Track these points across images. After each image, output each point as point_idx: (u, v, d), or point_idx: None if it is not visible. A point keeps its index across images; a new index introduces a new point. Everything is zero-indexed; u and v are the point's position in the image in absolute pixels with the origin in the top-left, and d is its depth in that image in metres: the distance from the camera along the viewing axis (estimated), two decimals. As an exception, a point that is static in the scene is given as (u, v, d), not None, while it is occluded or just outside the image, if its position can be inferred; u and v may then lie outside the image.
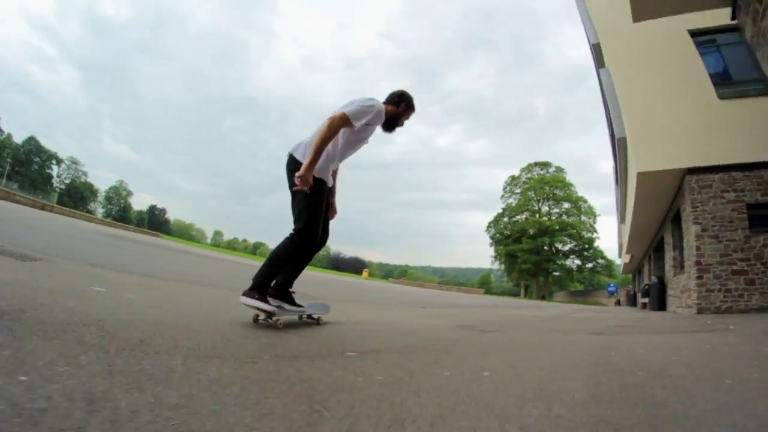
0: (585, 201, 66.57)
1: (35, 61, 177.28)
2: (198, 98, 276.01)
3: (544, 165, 72.58)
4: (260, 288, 2.87)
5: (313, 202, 2.95)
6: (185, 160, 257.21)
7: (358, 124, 3.00)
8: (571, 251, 66.09)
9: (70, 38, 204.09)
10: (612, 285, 56.83)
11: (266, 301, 2.86)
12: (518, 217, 69.15)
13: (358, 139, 3.20)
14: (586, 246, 64.08)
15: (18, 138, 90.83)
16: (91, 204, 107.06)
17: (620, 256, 37.77)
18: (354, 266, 67.71)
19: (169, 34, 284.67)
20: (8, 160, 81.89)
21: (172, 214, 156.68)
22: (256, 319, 3.02)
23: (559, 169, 70.85)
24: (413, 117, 3.55)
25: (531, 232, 66.35)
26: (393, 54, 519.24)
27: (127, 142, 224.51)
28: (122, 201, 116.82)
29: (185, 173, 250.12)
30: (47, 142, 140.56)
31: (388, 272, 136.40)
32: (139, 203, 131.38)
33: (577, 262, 67.33)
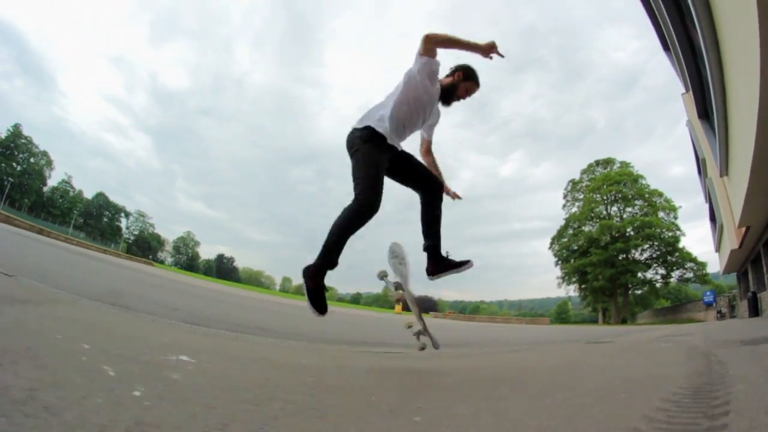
0: (660, 194, 54.44)
1: (110, 130, 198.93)
2: (263, 153, 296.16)
3: (607, 162, 61.29)
4: (320, 267, 2.74)
5: (369, 163, 2.81)
6: (257, 213, 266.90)
7: (436, 57, 2.93)
8: (652, 259, 53.62)
9: (139, 108, 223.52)
10: (709, 293, 44.11)
11: (316, 289, 2.73)
12: (583, 226, 57.80)
13: (426, 100, 2.98)
14: (669, 249, 51.26)
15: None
16: (160, 253, 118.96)
17: (718, 249, 30.55)
18: (425, 305, 58.73)
19: (229, 96, 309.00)
20: (73, 212, 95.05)
21: (247, 263, 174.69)
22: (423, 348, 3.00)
23: (625, 164, 59.49)
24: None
25: (601, 241, 55.94)
26: None
27: (201, 198, 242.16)
28: (190, 250, 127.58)
29: (257, 225, 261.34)
30: (126, 202, 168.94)
31: (461, 309, 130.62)
32: (208, 253, 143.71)
33: (661, 271, 54.04)
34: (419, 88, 2.94)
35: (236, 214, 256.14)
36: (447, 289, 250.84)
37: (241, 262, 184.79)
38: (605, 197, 57.84)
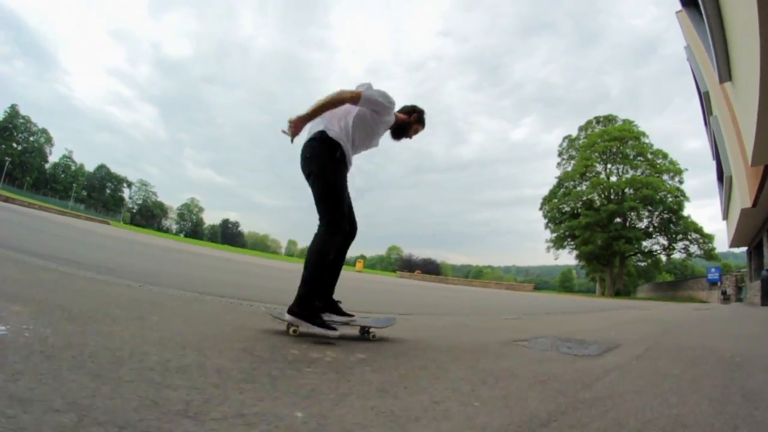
0: (665, 156, 46.51)
1: (115, 103, 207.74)
2: (271, 118, 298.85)
3: (608, 120, 53.19)
4: (304, 301, 2.60)
5: (334, 185, 2.73)
6: (267, 178, 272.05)
7: (364, 105, 2.79)
8: (653, 227, 46.07)
9: (143, 79, 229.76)
10: (714, 269, 36.90)
11: (311, 319, 2.57)
12: (576, 185, 49.72)
13: (371, 131, 2.93)
14: (671, 216, 43.81)
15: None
16: (164, 221, 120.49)
17: (725, 216, 25.05)
18: (426, 268, 59.52)
19: (234, 62, 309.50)
20: (74, 186, 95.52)
21: (257, 229, 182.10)
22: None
23: (628, 122, 51.07)
24: (425, 131, 3.38)
25: (594, 202, 48.16)
26: (454, 51, 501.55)
27: (210, 165, 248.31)
28: (194, 217, 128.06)
29: (268, 190, 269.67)
30: (136, 174, 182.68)
31: (467, 274, 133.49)
32: (217, 219, 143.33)
33: (662, 241, 46.73)
34: (370, 126, 2.92)
35: (245, 179, 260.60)
36: (455, 252, 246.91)
37: (251, 227, 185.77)
38: (601, 154, 50.15)
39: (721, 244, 52.98)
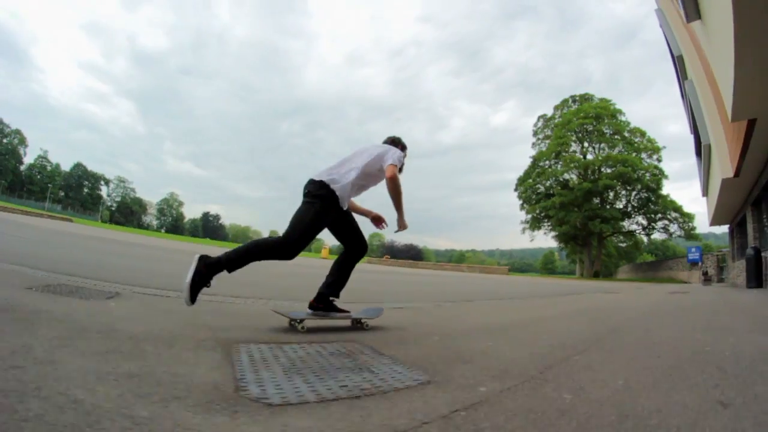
0: (642, 134, 44.58)
1: (91, 100, 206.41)
2: (251, 109, 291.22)
3: (584, 99, 50.83)
4: (217, 263, 2.77)
5: (315, 223, 3.03)
6: (248, 169, 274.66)
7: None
8: (632, 207, 44.25)
9: (119, 73, 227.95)
10: (694, 249, 35.15)
11: (204, 276, 2.70)
12: (551, 165, 47.42)
13: (378, 179, 3.38)
14: (650, 195, 41.97)
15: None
16: (144, 217, 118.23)
17: (705, 193, 23.25)
18: (408, 254, 61.07)
19: (211, 53, 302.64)
20: (50, 186, 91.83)
21: (239, 221, 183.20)
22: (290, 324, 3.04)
23: (605, 100, 48.75)
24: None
25: (572, 182, 46.40)
26: (434, 36, 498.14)
27: (190, 159, 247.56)
28: (174, 211, 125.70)
29: (249, 181, 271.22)
30: (114, 171, 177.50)
31: (450, 258, 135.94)
32: (199, 213, 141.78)
33: (641, 221, 45.02)
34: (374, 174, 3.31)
35: (226, 171, 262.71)
36: (439, 237, 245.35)
37: (234, 220, 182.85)
38: (577, 132, 47.86)
39: (702, 225, 51.59)
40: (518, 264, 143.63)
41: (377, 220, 3.62)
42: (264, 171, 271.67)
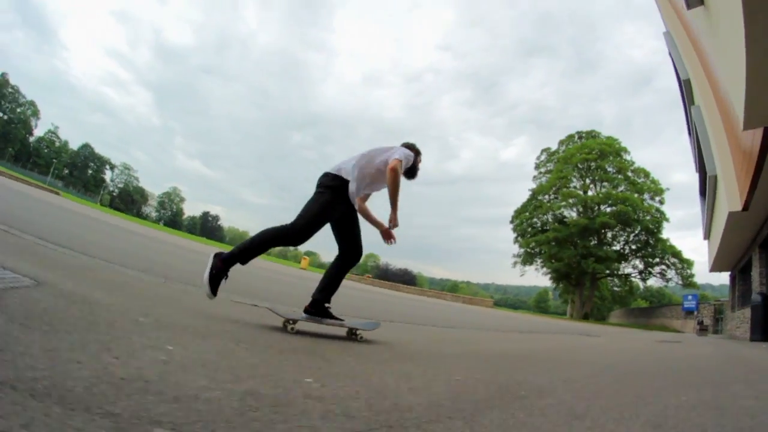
0: (647, 174, 42.60)
1: (111, 85, 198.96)
2: (265, 116, 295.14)
3: (591, 135, 49.34)
4: (231, 257, 2.91)
5: (325, 211, 3.14)
6: (254, 175, 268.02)
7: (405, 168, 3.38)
8: (629, 249, 42.21)
9: (142, 63, 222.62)
10: (691, 297, 33.00)
11: (221, 270, 2.88)
12: (548, 198, 45.63)
13: (384, 177, 3.35)
14: (649, 238, 39.87)
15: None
16: (144, 208, 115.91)
17: (707, 236, 21.43)
18: (403, 278, 57.60)
19: (233, 55, 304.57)
20: (54, 162, 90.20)
21: (240, 225, 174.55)
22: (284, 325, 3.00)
23: (611, 138, 46.99)
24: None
25: (569, 218, 43.80)
26: (452, 66, 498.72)
27: (199, 157, 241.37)
28: (175, 206, 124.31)
29: (254, 187, 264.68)
30: (123, 157, 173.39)
31: (443, 287, 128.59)
32: (196, 210, 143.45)
33: (639, 265, 42.93)
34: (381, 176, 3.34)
35: (233, 174, 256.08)
36: (437, 266, 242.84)
37: (234, 223, 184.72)
38: (578, 167, 46.09)
39: (700, 276, 49.27)
40: (512, 300, 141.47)
41: (387, 235, 3.61)
42: (270, 179, 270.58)
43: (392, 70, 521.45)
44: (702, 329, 21.85)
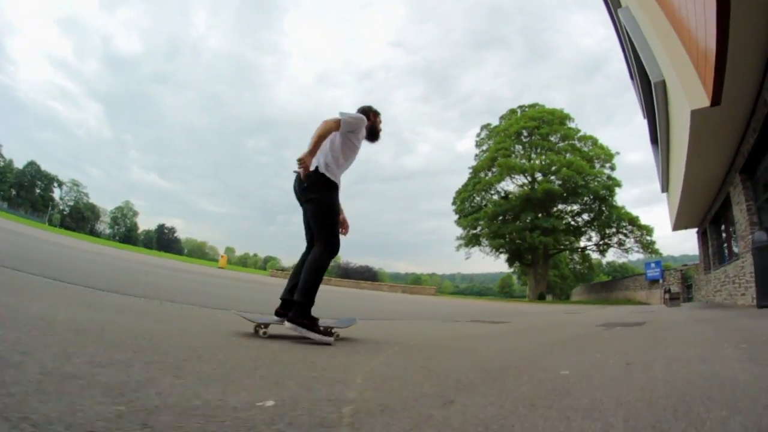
0: (595, 141, 38.23)
1: (59, 99, 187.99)
2: (219, 122, 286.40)
3: (533, 108, 44.48)
4: (303, 309, 2.96)
5: (332, 208, 3.16)
6: (212, 184, 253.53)
7: (345, 128, 3.22)
8: (582, 220, 37.71)
9: (90, 74, 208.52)
10: (654, 264, 28.66)
11: (316, 328, 2.93)
12: (487, 174, 40.54)
13: (353, 147, 3.35)
14: (601, 205, 35.47)
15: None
16: (97, 225, 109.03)
17: (665, 189, 16.89)
18: (363, 275, 52.87)
19: (184, 62, 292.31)
20: (2, 182, 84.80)
21: (202, 236, 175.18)
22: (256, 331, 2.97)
23: (554, 109, 42.58)
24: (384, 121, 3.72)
25: (511, 192, 38.58)
26: (404, 61, 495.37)
27: (155, 169, 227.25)
28: (128, 221, 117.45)
29: (213, 197, 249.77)
30: (78, 175, 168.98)
31: (406, 281, 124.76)
32: (155, 224, 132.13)
33: (594, 237, 38.64)
34: (350, 144, 3.31)
35: (191, 185, 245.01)
36: (402, 261, 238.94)
37: (194, 234, 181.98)
38: (518, 136, 41.09)
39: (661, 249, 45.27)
40: (478, 288, 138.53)
41: (343, 224, 3.46)
42: (228, 187, 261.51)
43: (345, 69, 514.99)
44: (672, 298, 17.11)
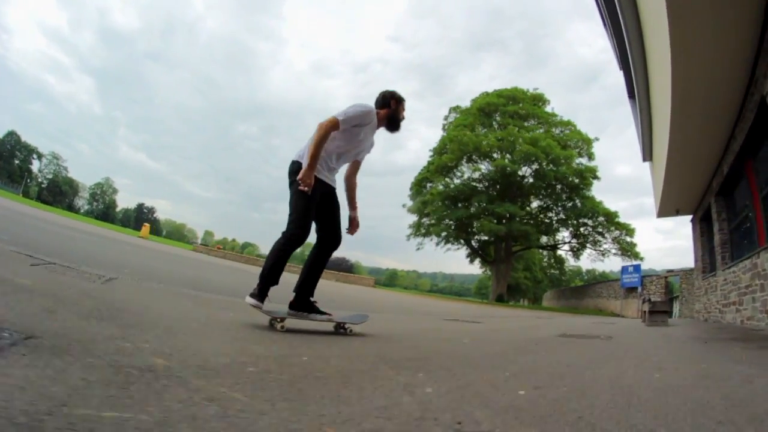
0: (573, 126, 32.00)
1: (51, 71, 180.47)
2: (211, 105, 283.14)
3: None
4: (260, 289, 2.86)
5: (304, 197, 2.90)
6: (200, 167, 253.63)
7: (345, 126, 2.97)
8: (553, 212, 31.44)
9: (84, 47, 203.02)
10: (631, 268, 22.51)
11: (261, 301, 2.85)
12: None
13: (355, 141, 3.11)
14: (573, 196, 29.29)
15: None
16: (76, 200, 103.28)
17: (648, 157, 12.27)
18: (341, 267, 44.50)
19: (179, 41, 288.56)
20: None
21: (186, 219, 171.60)
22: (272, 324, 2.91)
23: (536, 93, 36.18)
24: (408, 106, 3.35)
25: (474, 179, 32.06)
26: (401, 57, 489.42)
27: (143, 149, 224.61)
28: (107, 198, 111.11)
29: (200, 180, 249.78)
30: (66, 150, 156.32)
31: (382, 275, 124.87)
32: (133, 203, 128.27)
33: (566, 234, 32.75)
34: (348, 138, 3.07)
35: (178, 167, 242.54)
36: (386, 257, 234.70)
37: (182, 218, 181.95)
38: (483, 113, 34.23)
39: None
40: (457, 288, 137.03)
41: (352, 222, 3.32)
42: (216, 171, 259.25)
43: (341, 59, 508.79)
44: (655, 312, 10.48)
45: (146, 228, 33.20)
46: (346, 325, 3.10)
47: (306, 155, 2.82)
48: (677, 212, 13.08)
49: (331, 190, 3.09)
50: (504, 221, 29.87)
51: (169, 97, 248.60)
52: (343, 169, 3.25)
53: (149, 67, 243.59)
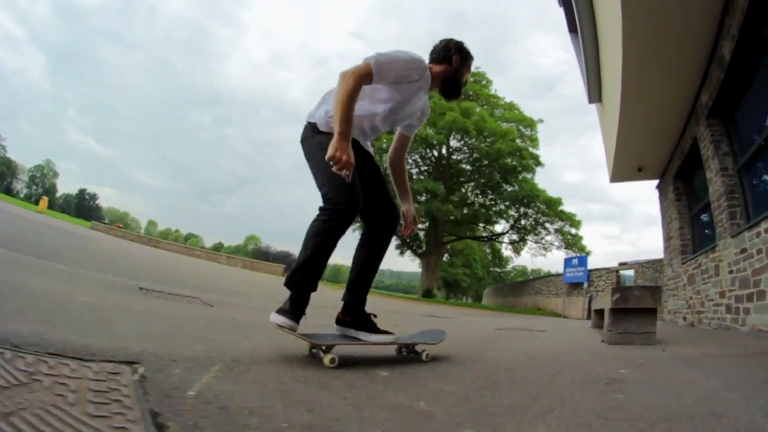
0: (517, 108, 28.07)
1: (1, 42, 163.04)
2: (164, 90, 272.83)
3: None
4: (293, 301, 1.79)
5: (322, 154, 1.81)
6: (148, 154, 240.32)
7: (380, 78, 1.85)
8: (487, 199, 27.53)
9: (38, 20, 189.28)
10: (576, 260, 18.17)
11: (296, 320, 1.76)
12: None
13: (398, 105, 1.94)
14: (507, 177, 25.31)
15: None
16: (13, 182, 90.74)
17: (596, 98, 8.62)
18: (284, 260, 44.94)
19: (139, 21, 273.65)
20: None
21: (131, 208, 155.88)
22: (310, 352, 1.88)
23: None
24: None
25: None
26: (362, 53, 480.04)
27: (91, 132, 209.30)
28: (47, 182, 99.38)
29: (148, 167, 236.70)
30: (7, 128, 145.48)
31: (328, 272, 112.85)
32: (71, 188, 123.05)
33: (503, 224, 29.10)
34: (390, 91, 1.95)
35: (127, 153, 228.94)
36: (335, 252, 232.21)
37: (127, 207, 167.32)
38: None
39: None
40: (404, 285, 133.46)
41: (407, 218, 2.16)
42: (165, 160, 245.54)
43: (300, 52, 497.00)
44: (631, 311, 6.46)
45: (44, 202, 30.90)
46: (418, 346, 2.05)
47: (324, 117, 1.88)
48: (639, 171, 9.14)
49: (365, 154, 2.00)
50: (422, 201, 25.41)
51: (123, 79, 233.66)
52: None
53: (104, 46, 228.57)
